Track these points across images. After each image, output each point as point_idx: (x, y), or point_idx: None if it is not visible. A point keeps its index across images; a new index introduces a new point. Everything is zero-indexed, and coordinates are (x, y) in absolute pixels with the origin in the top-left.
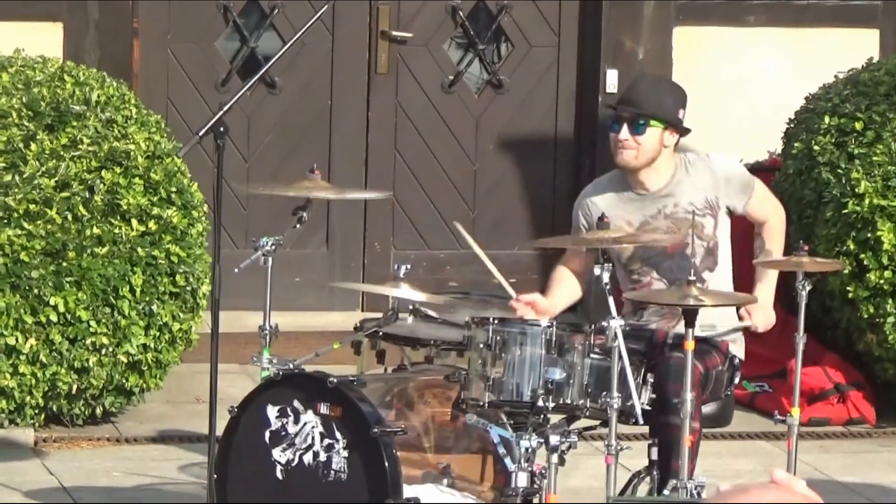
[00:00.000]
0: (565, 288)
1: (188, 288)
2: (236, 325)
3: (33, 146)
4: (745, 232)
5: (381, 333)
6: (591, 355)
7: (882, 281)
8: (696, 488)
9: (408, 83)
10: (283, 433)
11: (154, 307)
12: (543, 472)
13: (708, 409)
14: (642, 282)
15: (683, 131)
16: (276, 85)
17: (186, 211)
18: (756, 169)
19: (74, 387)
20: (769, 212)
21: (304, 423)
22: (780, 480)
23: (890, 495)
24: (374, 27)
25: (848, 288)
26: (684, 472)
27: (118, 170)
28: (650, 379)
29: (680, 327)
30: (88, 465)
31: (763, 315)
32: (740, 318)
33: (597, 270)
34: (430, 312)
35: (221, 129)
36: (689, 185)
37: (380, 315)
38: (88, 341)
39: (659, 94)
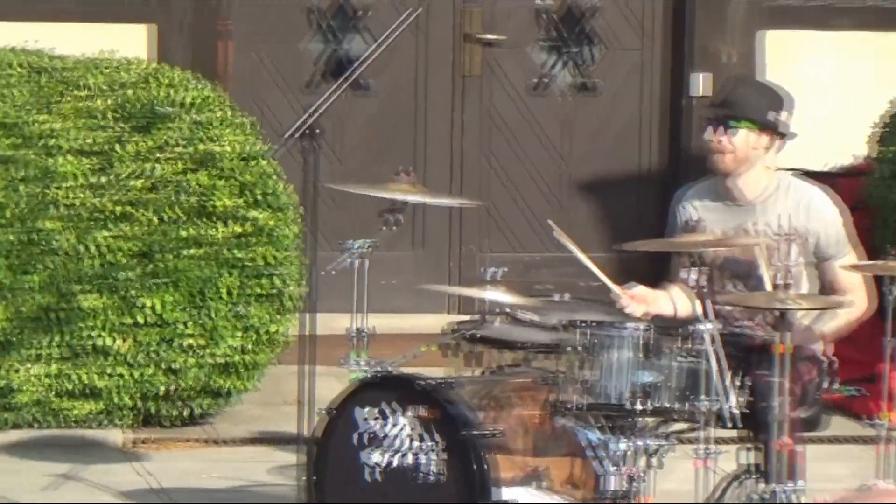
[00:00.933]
0: (675, 293)
1: (279, 290)
2: (327, 326)
3: (124, 148)
4: None
5: (470, 336)
6: (683, 358)
7: None
8: (793, 492)
9: (497, 85)
10: (373, 435)
11: (245, 309)
12: (637, 475)
13: (802, 413)
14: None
15: (779, 134)
16: (367, 87)
17: (277, 213)
18: (843, 174)
19: (168, 388)
20: (849, 288)
21: (395, 426)
22: None
23: None
24: (464, 30)
25: None
26: (782, 476)
27: (209, 172)
28: (747, 382)
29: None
30: (181, 467)
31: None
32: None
33: (683, 274)
34: (521, 315)
35: (317, 130)
36: (780, 206)
37: (468, 318)
38: (181, 343)
39: (750, 95)
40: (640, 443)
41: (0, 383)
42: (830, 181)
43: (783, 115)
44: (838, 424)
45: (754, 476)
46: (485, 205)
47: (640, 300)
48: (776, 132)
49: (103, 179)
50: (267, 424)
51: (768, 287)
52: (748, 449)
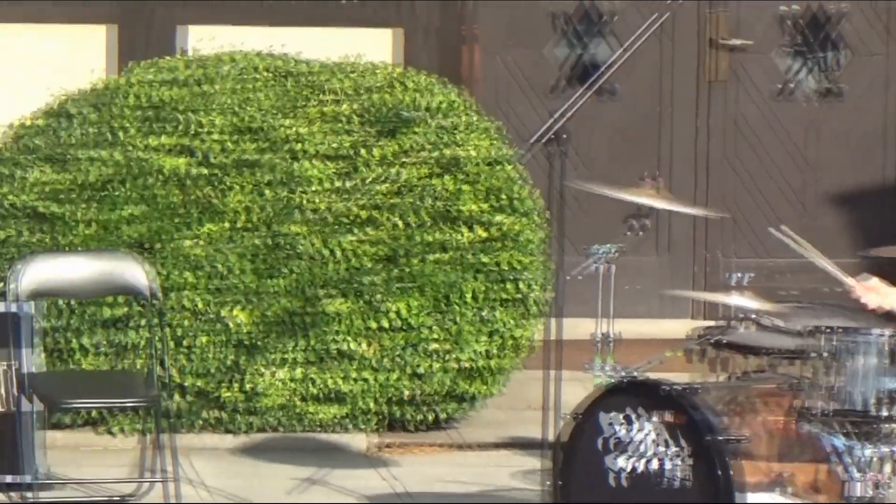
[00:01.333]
0: None
1: (525, 295)
2: (572, 331)
3: (369, 152)
4: None
5: (715, 341)
6: None
7: None
8: None
9: (742, 91)
10: (618, 440)
11: (490, 314)
12: (883, 481)
13: None
14: None
15: None
16: (612, 91)
17: (522, 217)
18: None
19: (412, 392)
20: None
21: (640, 431)
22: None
23: None
24: (709, 34)
25: None
26: None
27: (454, 176)
28: None
29: None
30: (426, 471)
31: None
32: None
33: None
34: (766, 320)
35: (563, 135)
36: None
37: (713, 323)
38: (425, 347)
39: None
40: (885, 449)
41: (245, 387)
42: None
43: None
44: None
45: None
46: (730, 216)
47: (875, 292)
48: None
49: (348, 184)
50: (511, 429)
51: None
52: None
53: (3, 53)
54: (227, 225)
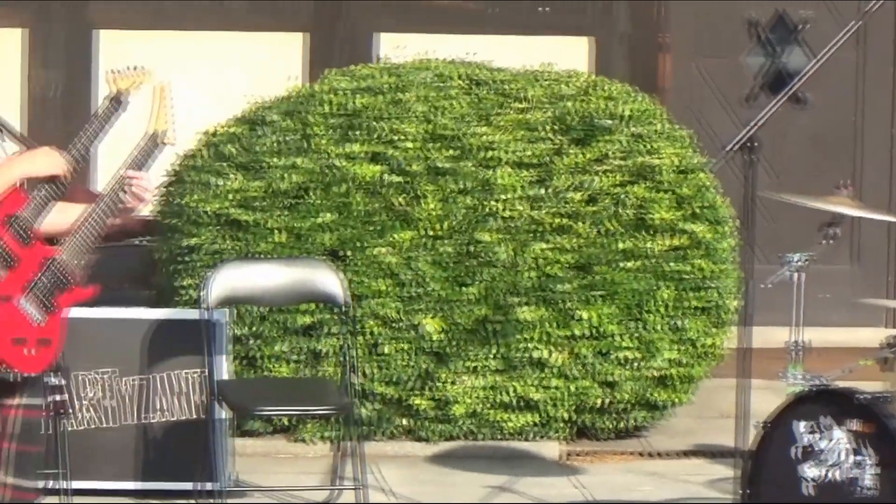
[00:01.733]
0: None
1: (716, 303)
2: (763, 340)
3: (562, 160)
4: None
5: None
6: None
7: None
8: None
9: None
10: (812, 449)
11: (682, 322)
12: None
13: None
14: None
15: None
16: (805, 100)
17: (715, 226)
18: None
19: (603, 401)
20: None
21: (833, 440)
22: None
23: None
24: None
25: None
26: None
27: (647, 184)
28: None
29: None
30: (616, 480)
31: None
32: None
33: None
34: None
35: (754, 144)
36: None
37: None
38: (616, 355)
39: None
40: None
41: (436, 395)
42: None
43: None
44: None
45: None
46: None
47: None
48: None
49: (541, 192)
50: (701, 437)
51: None
52: None
53: (203, 59)
54: (419, 233)
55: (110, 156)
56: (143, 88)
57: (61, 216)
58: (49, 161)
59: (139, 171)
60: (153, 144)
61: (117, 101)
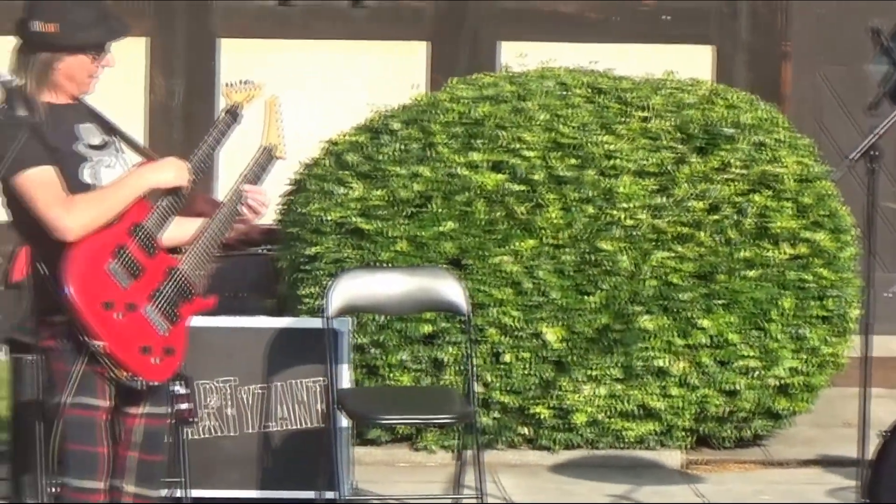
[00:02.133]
0: None
1: (838, 312)
2: (885, 349)
3: (684, 169)
4: None
5: None
6: None
7: None
8: None
9: None
10: None
11: (803, 330)
12: None
13: None
14: None
15: None
16: None
17: (837, 235)
18: None
19: (724, 409)
20: None
21: None
22: None
23: None
24: None
25: None
26: None
27: (768, 193)
28: None
29: None
30: (736, 488)
31: None
32: None
33: None
34: None
35: (876, 153)
36: None
37: None
38: (738, 364)
39: None
40: None
41: (557, 403)
42: None
43: None
44: None
45: None
46: None
47: None
48: None
49: (663, 200)
50: (821, 447)
51: None
52: None
53: (325, 68)
54: (541, 241)
55: (229, 166)
56: (255, 102)
57: (180, 228)
58: (175, 172)
59: (255, 185)
60: (267, 158)
61: (233, 114)
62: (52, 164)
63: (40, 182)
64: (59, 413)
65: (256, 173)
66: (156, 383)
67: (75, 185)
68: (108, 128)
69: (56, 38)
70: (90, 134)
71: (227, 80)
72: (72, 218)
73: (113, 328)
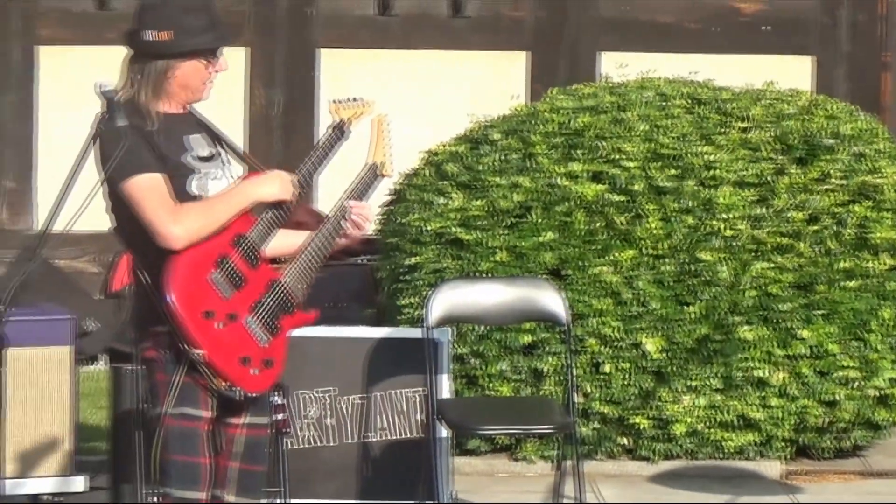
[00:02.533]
0: None
1: None
2: None
3: (784, 179)
4: None
5: None
6: None
7: None
8: None
9: None
10: None
11: None
12: None
13: None
14: None
15: None
16: None
17: None
18: None
19: (823, 420)
20: None
21: None
22: None
23: None
24: None
25: None
26: None
27: (868, 203)
28: None
29: None
30: (837, 499)
31: None
32: None
33: None
34: None
35: None
36: None
37: None
38: (837, 375)
39: None
40: None
41: (656, 414)
42: None
43: None
44: None
45: None
46: None
47: None
48: None
49: (763, 211)
50: None
51: None
52: None
53: (423, 77)
54: (640, 252)
55: (331, 181)
56: (364, 119)
57: (284, 240)
58: (280, 186)
59: (360, 201)
60: (373, 175)
61: (340, 131)
62: (163, 172)
63: (149, 188)
64: (160, 423)
65: (362, 190)
66: (254, 394)
67: (183, 197)
68: (216, 138)
69: (169, 45)
70: (199, 145)
71: (334, 96)
72: (179, 226)
73: (213, 337)
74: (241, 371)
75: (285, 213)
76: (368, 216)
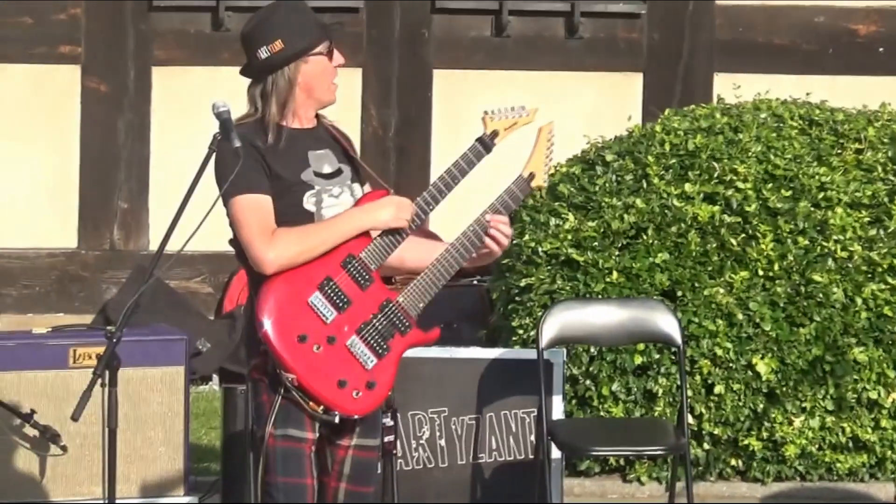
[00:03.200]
0: None
1: None
2: None
3: None
4: None
5: None
6: None
7: None
8: None
9: None
10: None
11: None
12: None
13: None
14: None
15: None
16: None
17: None
18: None
19: None
20: None
21: None
22: None
23: None
24: None
25: None
26: None
27: None
28: None
29: None
30: None
31: None
32: None
33: None
34: None
35: None
36: None
37: None
38: None
39: None
40: None
41: (768, 435)
42: None
43: None
44: None
45: None
46: None
47: None
48: None
49: (876, 232)
50: None
51: None
52: None
53: (541, 99)
54: (754, 273)
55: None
56: (521, 130)
57: (417, 251)
58: (393, 213)
59: (503, 216)
60: (525, 187)
61: (485, 144)
62: (268, 193)
63: (249, 208)
64: (264, 444)
65: (508, 203)
66: (355, 417)
67: (297, 213)
68: (345, 155)
69: (285, 51)
70: (322, 161)
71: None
72: (271, 251)
73: (307, 361)
74: (340, 394)
75: (401, 237)
76: (509, 232)
